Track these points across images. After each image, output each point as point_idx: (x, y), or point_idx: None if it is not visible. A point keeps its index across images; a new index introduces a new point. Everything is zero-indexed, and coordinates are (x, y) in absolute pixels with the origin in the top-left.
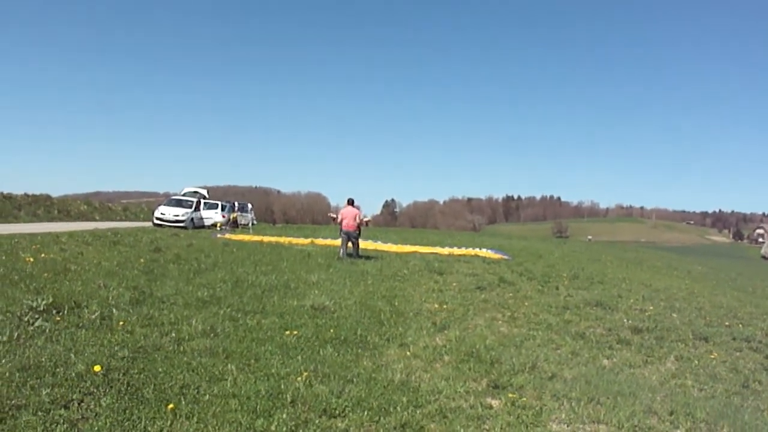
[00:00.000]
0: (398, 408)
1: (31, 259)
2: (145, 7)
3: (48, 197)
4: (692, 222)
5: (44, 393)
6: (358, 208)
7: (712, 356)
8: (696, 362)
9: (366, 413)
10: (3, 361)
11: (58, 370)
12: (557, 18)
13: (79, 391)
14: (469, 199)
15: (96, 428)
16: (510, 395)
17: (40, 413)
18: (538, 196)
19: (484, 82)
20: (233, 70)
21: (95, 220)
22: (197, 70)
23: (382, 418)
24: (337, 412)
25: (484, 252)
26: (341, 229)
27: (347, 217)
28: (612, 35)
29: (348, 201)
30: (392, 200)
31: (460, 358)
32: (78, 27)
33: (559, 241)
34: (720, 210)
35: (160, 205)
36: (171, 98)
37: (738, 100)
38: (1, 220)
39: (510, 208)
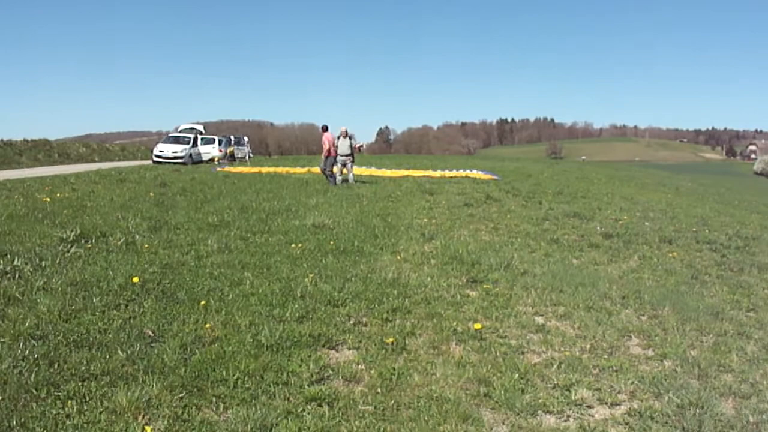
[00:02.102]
0: (390, 298)
1: (48, 199)
2: None
3: (47, 141)
4: (685, 140)
5: (95, 300)
6: (350, 136)
7: (673, 255)
8: (656, 260)
9: (363, 303)
10: (54, 279)
11: (101, 284)
12: None
13: (124, 298)
14: (463, 124)
15: (144, 322)
16: (485, 287)
17: (97, 314)
18: (532, 119)
19: (476, 5)
20: (220, 3)
21: (95, 161)
22: (183, 6)
23: (376, 306)
24: (339, 302)
25: (474, 173)
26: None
27: (329, 143)
28: None
29: (322, 128)
30: (386, 127)
31: (444, 261)
32: None
33: (552, 162)
34: (713, 127)
35: (158, 143)
36: (158, 35)
37: (730, 17)
38: (5, 167)
39: (504, 132)
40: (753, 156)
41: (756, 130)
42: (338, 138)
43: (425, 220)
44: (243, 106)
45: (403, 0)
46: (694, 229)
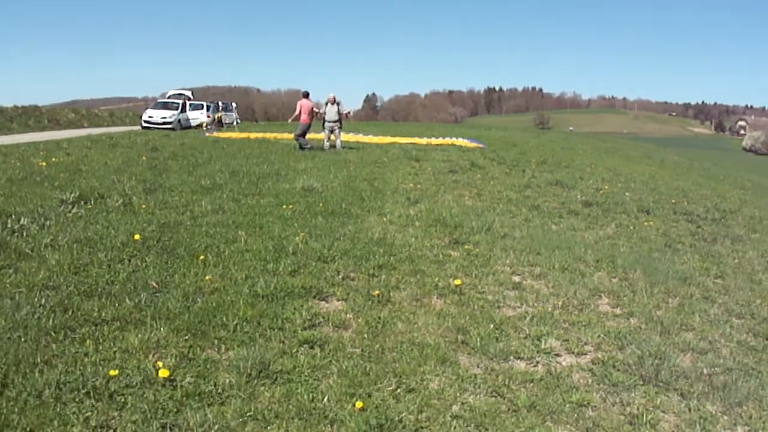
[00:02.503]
0: (376, 256)
1: (44, 164)
2: None
3: (37, 107)
4: (674, 113)
5: (101, 255)
6: (338, 103)
7: (649, 224)
8: (632, 228)
9: (351, 259)
10: (59, 237)
11: (104, 241)
12: None
13: (127, 253)
14: (450, 92)
15: (148, 275)
16: (466, 247)
17: (103, 267)
18: (520, 88)
19: None
20: None
21: (84, 126)
22: None
23: (363, 262)
24: (328, 258)
25: (460, 141)
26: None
27: (304, 109)
28: None
29: (303, 94)
30: (373, 94)
31: (428, 224)
32: None
33: (539, 132)
34: (703, 101)
35: (146, 108)
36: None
37: None
38: None
39: (492, 100)
40: (742, 132)
41: (746, 106)
42: (326, 104)
43: (411, 185)
44: (229, 71)
45: None
46: (673, 201)
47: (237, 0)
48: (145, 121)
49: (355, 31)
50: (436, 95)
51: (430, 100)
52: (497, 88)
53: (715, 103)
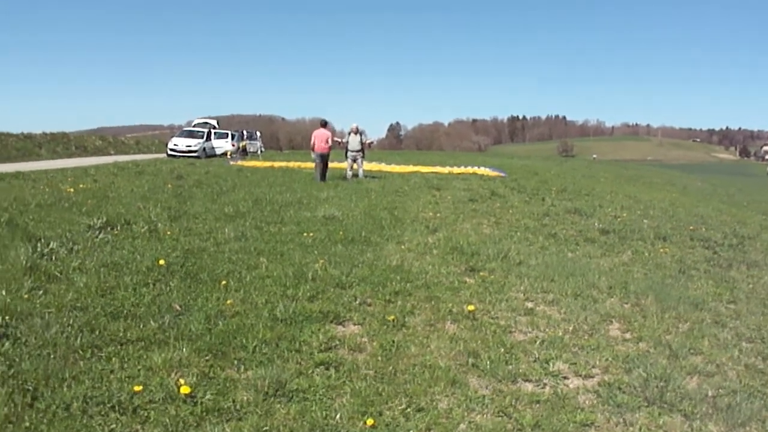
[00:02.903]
0: (393, 282)
1: (72, 190)
2: None
3: (65, 134)
4: (699, 139)
5: (127, 279)
6: (361, 133)
7: (665, 251)
8: (647, 255)
9: (368, 286)
10: (87, 261)
11: (130, 265)
12: None
13: (152, 277)
14: (474, 120)
15: (172, 298)
16: (482, 274)
17: (129, 290)
18: (544, 116)
19: (489, 1)
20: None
21: (110, 154)
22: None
23: (380, 289)
24: (346, 285)
25: (482, 170)
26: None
27: (317, 139)
28: None
29: (321, 123)
30: (397, 123)
31: (446, 252)
32: None
33: (562, 160)
34: (727, 127)
35: (172, 137)
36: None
37: (745, 16)
38: (25, 159)
39: (515, 129)
40: (767, 157)
41: None
42: (349, 134)
43: (430, 213)
44: (254, 100)
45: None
46: (691, 227)
47: (261, 30)
48: (171, 150)
49: (379, 60)
50: (460, 124)
51: (453, 129)
52: (521, 117)
53: (740, 129)
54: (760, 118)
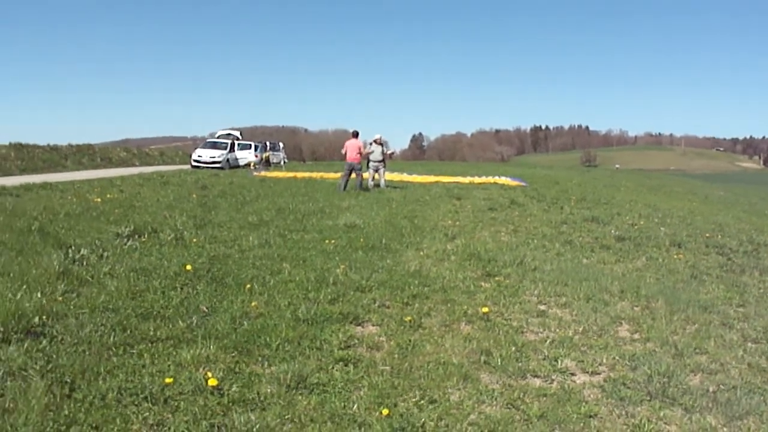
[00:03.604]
0: (411, 287)
1: (99, 200)
2: None
3: (90, 146)
4: (722, 148)
5: (155, 283)
6: (383, 144)
7: (679, 257)
8: (661, 261)
9: (387, 289)
10: (116, 267)
11: (158, 270)
12: None
13: (179, 282)
14: (497, 131)
15: (199, 300)
16: (497, 279)
17: (157, 293)
18: (567, 126)
19: (510, 12)
20: (252, 8)
21: (135, 165)
22: (216, 12)
23: (399, 292)
24: (366, 288)
25: (503, 180)
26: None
27: (350, 149)
28: None
29: (353, 133)
30: (420, 134)
31: (463, 258)
32: None
33: (584, 170)
34: (751, 136)
35: (196, 148)
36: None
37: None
38: (52, 170)
39: (538, 139)
40: None
41: None
42: (371, 144)
43: (450, 222)
44: (277, 112)
45: (436, 5)
46: (707, 235)
47: (284, 42)
48: (195, 161)
49: (402, 71)
50: (483, 134)
51: (476, 139)
52: (543, 127)
53: (764, 137)
54: None
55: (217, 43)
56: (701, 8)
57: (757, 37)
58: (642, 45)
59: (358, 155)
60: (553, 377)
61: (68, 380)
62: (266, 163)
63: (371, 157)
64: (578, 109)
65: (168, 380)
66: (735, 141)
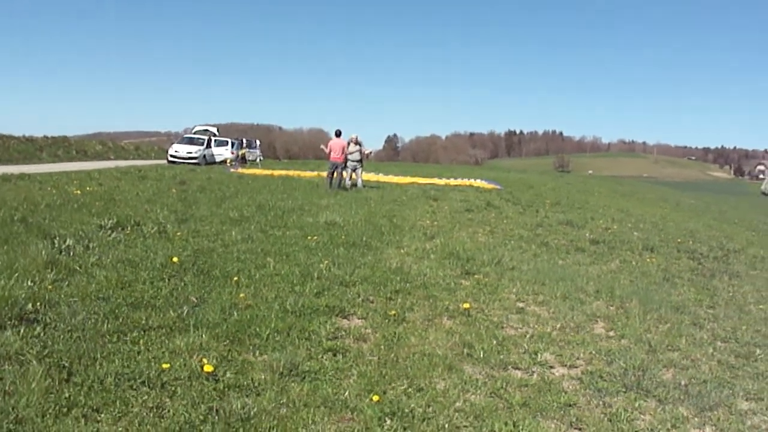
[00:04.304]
0: (393, 282)
1: (78, 192)
2: None
3: (65, 138)
4: (694, 158)
5: (143, 274)
6: (359, 143)
7: (651, 260)
8: (634, 264)
9: (370, 285)
10: (103, 258)
11: (145, 262)
12: None
13: (167, 273)
14: (471, 134)
15: (188, 291)
16: (476, 277)
17: (146, 284)
18: (541, 131)
19: (485, 16)
20: (229, 4)
21: (110, 159)
22: (192, 6)
23: (382, 288)
24: (350, 283)
25: (478, 182)
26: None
27: (334, 148)
28: None
29: (336, 133)
30: (394, 135)
31: (443, 256)
32: None
33: (557, 175)
34: (722, 146)
35: (173, 143)
36: (164, 37)
37: (740, 35)
38: (27, 161)
39: (512, 143)
40: (761, 176)
41: (765, 150)
42: (348, 144)
43: (428, 222)
44: (252, 109)
45: (412, 8)
46: (679, 240)
47: (258, 38)
48: (172, 156)
49: (377, 72)
50: (457, 137)
51: (450, 142)
52: (518, 131)
53: (735, 148)
54: (755, 138)
55: (191, 39)
56: (676, 19)
57: (732, 49)
58: (618, 53)
59: (342, 154)
60: (534, 369)
61: (66, 365)
62: (242, 160)
63: (349, 156)
64: (552, 115)
65: (164, 365)
66: (707, 150)
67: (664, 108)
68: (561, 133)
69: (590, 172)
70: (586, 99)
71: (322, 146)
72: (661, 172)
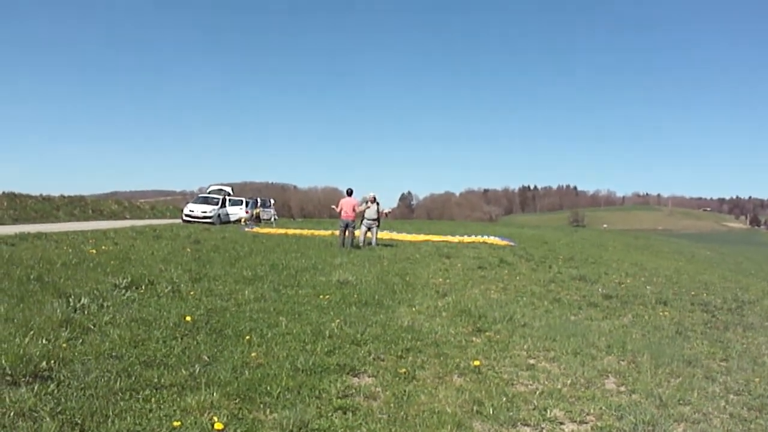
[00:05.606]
0: (404, 341)
1: (94, 251)
2: (148, 4)
3: (82, 198)
4: (709, 209)
5: (156, 333)
6: (378, 202)
7: (664, 314)
8: (647, 318)
9: (381, 343)
10: (117, 316)
11: (158, 321)
12: (571, 5)
13: (179, 332)
14: (485, 190)
15: (200, 350)
16: (488, 334)
17: (159, 342)
18: (555, 186)
19: (498, 72)
20: (243, 65)
21: (126, 218)
22: (206, 67)
23: (392, 346)
24: (361, 342)
25: (491, 239)
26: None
27: (345, 207)
28: (622, 22)
29: (347, 191)
30: (408, 193)
31: (454, 314)
32: (88, 25)
33: (572, 230)
34: (737, 196)
35: (188, 202)
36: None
37: (755, 85)
38: (44, 220)
39: (526, 199)
40: None
41: None
42: (366, 203)
43: (440, 279)
44: (266, 168)
45: (425, 66)
46: (693, 293)
47: (274, 99)
48: (186, 215)
49: (392, 130)
50: (471, 194)
51: (465, 199)
52: (532, 187)
53: (750, 198)
54: None
55: (206, 99)
56: (689, 69)
57: (746, 99)
58: (631, 106)
59: (353, 213)
60: (543, 426)
61: (78, 422)
62: (257, 220)
63: (366, 215)
64: (566, 170)
65: (176, 423)
66: (722, 201)
67: (679, 160)
68: (575, 188)
69: (605, 226)
70: (599, 153)
71: (333, 206)
72: (677, 224)
